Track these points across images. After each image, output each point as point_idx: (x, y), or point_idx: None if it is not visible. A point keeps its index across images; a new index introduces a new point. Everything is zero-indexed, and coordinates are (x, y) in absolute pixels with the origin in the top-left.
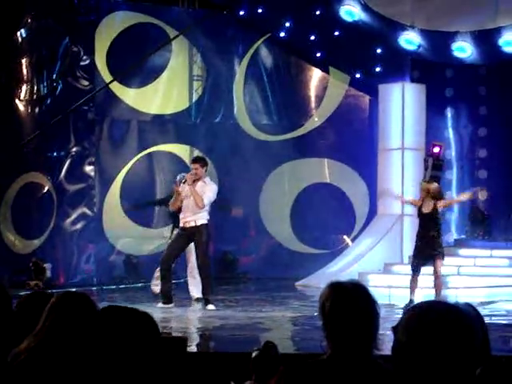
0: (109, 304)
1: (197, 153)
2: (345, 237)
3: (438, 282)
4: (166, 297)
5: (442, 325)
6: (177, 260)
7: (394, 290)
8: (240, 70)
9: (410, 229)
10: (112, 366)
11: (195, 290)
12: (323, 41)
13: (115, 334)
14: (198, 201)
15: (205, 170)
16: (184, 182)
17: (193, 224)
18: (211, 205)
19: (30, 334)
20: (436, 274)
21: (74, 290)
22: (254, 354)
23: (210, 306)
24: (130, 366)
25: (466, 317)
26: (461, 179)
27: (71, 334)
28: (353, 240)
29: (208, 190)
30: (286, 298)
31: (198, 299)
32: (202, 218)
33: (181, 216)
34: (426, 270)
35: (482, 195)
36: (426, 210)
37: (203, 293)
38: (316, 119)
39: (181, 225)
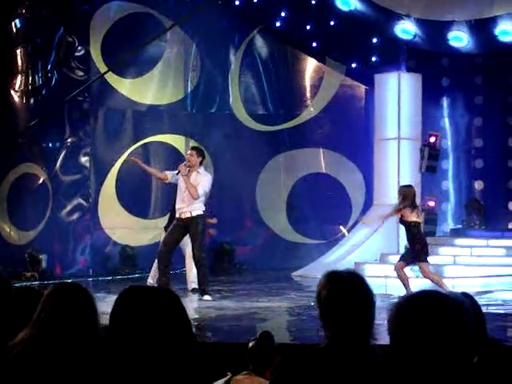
0: (105, 295)
1: (192, 143)
2: (341, 227)
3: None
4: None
5: (432, 313)
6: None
7: (391, 279)
8: (235, 60)
9: None
10: (141, 349)
11: (192, 280)
12: (319, 30)
13: (142, 314)
14: (192, 192)
15: (200, 161)
16: (178, 173)
17: (188, 215)
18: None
19: (19, 328)
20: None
21: (69, 281)
22: (250, 344)
23: (207, 297)
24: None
25: (456, 305)
26: (457, 169)
27: (67, 325)
28: (349, 230)
29: (202, 180)
30: (282, 288)
31: (193, 289)
32: (198, 209)
33: (176, 207)
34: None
35: (479, 185)
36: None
37: (199, 283)
38: (312, 109)
39: (176, 215)
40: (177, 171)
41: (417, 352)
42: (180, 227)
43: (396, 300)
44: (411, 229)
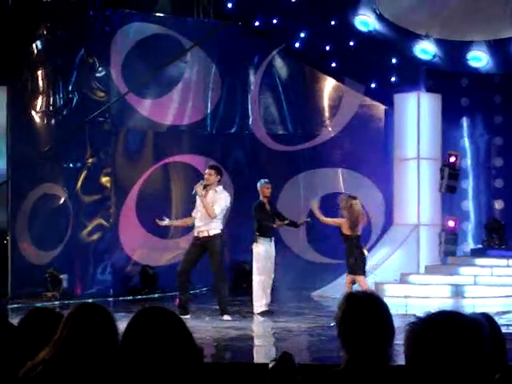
0: (126, 314)
1: (212, 163)
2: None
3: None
4: (183, 308)
5: (447, 334)
6: (193, 270)
7: (411, 299)
8: (255, 80)
9: (426, 238)
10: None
11: (257, 307)
12: (338, 51)
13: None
14: (209, 211)
15: (218, 180)
16: (194, 193)
17: (205, 234)
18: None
19: (36, 349)
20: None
21: (90, 300)
22: (270, 365)
23: (226, 317)
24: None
25: (471, 325)
26: (477, 188)
27: (88, 346)
28: (369, 250)
29: (219, 198)
30: (302, 308)
31: (262, 313)
32: (215, 228)
33: (195, 225)
34: (442, 280)
35: (499, 204)
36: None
37: (219, 303)
38: (331, 129)
39: (194, 234)
40: (193, 191)
41: (432, 372)
42: (198, 246)
43: (412, 320)
44: (347, 241)
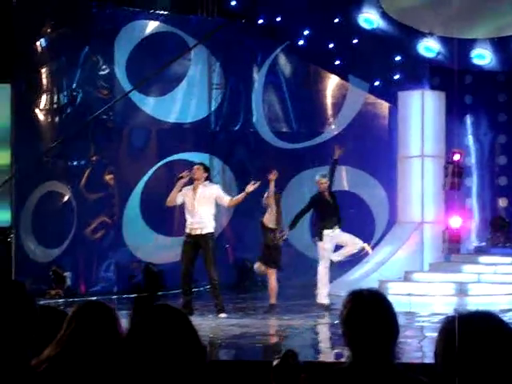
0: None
1: (216, 161)
2: (365, 244)
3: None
4: (187, 307)
5: (484, 335)
6: (197, 268)
7: (415, 297)
8: (259, 78)
9: (430, 236)
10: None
11: (322, 296)
12: (342, 49)
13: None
14: (226, 203)
15: (205, 177)
16: (175, 182)
17: (199, 232)
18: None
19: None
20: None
21: (94, 298)
22: (274, 363)
23: (222, 315)
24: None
25: (506, 325)
26: (481, 186)
27: (92, 343)
28: (373, 248)
29: (215, 189)
30: (305, 305)
31: (322, 305)
32: (209, 227)
33: (187, 222)
34: (445, 278)
35: (503, 202)
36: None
37: (215, 303)
38: (335, 127)
39: (186, 231)
40: (179, 184)
41: (466, 375)
42: (191, 244)
43: (444, 319)
44: (264, 232)
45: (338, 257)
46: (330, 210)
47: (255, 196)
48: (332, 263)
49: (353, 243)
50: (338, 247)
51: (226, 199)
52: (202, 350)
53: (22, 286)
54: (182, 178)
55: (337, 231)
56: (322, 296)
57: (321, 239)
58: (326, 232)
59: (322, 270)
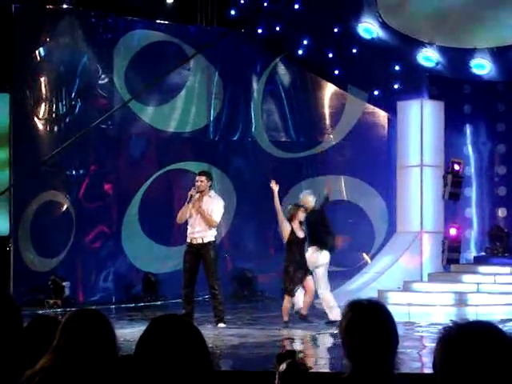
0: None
1: (215, 170)
2: (364, 254)
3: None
4: (188, 317)
5: (484, 346)
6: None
7: (414, 307)
8: (258, 87)
9: (429, 246)
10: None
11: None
12: (341, 58)
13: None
14: (209, 222)
15: (210, 185)
16: (189, 202)
17: (200, 241)
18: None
19: (38, 357)
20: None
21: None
22: (281, 368)
23: (221, 324)
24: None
25: (504, 335)
26: (480, 196)
27: (85, 352)
28: (372, 257)
29: (215, 205)
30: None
31: (299, 314)
32: (210, 236)
33: (188, 231)
34: (445, 288)
35: (502, 212)
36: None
37: (214, 313)
38: (334, 136)
39: (187, 240)
40: (188, 200)
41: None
42: (192, 254)
43: (442, 329)
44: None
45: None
46: (314, 230)
47: (254, 206)
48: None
49: (312, 293)
50: None
51: (212, 220)
52: (210, 361)
53: (7, 297)
54: (191, 196)
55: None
56: (335, 315)
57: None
58: (311, 249)
59: (328, 294)
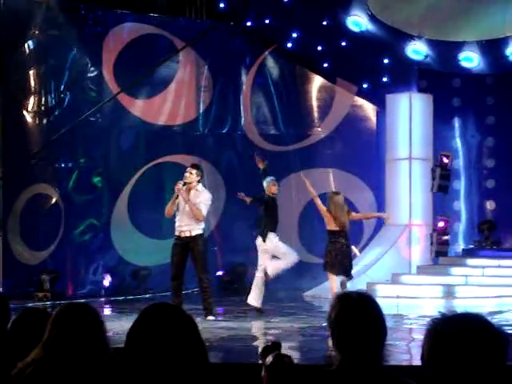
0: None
1: (205, 163)
2: (353, 247)
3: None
4: None
5: (471, 337)
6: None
7: (403, 300)
8: (247, 80)
9: (418, 238)
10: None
11: (255, 299)
12: (330, 51)
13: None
14: (197, 215)
15: (198, 180)
16: (176, 198)
17: (188, 234)
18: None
19: (28, 349)
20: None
21: (82, 301)
22: (267, 360)
23: (210, 317)
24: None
25: (491, 326)
26: (468, 189)
27: (75, 345)
28: (361, 250)
29: (201, 199)
30: (294, 308)
31: (257, 309)
32: (198, 229)
33: (176, 224)
34: (433, 280)
35: (491, 205)
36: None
37: (204, 305)
38: (323, 129)
39: (176, 233)
40: (175, 195)
41: (453, 378)
42: (180, 246)
43: (430, 321)
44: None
45: (272, 272)
46: (277, 215)
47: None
48: (267, 277)
49: (288, 257)
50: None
51: (199, 214)
52: (205, 349)
53: None
54: (178, 189)
55: (277, 238)
56: (255, 301)
57: (264, 240)
58: (272, 234)
59: (259, 281)
